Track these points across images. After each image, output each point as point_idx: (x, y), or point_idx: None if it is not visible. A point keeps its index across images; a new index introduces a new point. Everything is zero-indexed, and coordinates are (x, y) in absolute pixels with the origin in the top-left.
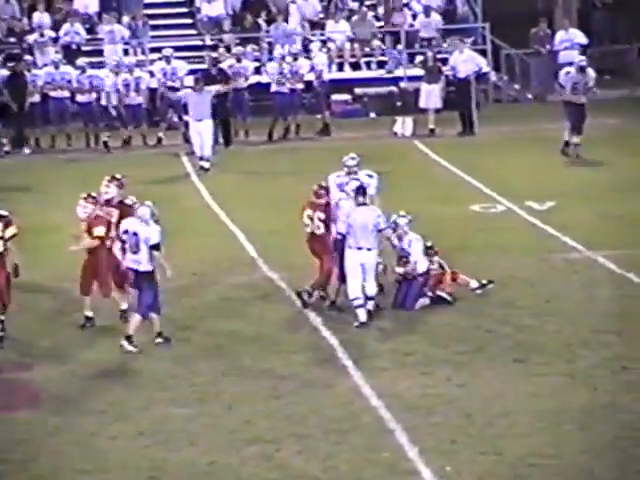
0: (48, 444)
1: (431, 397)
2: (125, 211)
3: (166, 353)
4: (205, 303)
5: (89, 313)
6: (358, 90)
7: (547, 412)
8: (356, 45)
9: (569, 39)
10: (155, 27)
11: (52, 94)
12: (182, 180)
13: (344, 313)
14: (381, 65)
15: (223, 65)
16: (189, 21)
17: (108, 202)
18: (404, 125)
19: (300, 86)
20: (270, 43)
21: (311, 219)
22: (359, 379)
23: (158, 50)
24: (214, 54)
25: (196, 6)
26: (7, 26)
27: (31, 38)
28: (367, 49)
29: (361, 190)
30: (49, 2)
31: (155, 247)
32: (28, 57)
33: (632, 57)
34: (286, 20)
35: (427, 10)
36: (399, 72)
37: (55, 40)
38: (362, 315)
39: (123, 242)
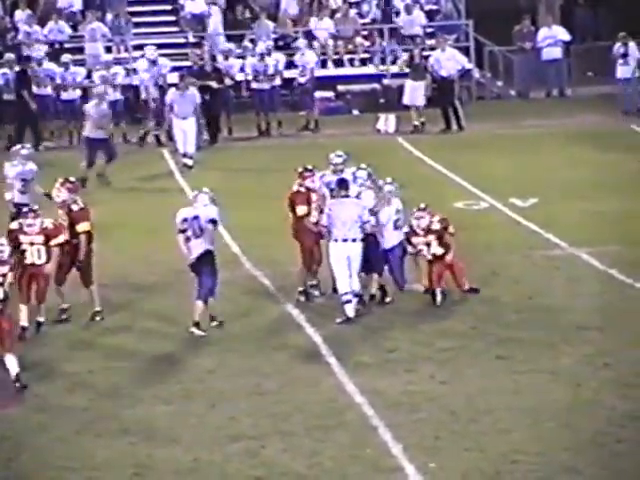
0: (32, 441)
1: (415, 394)
2: (73, 216)
3: (150, 350)
4: (188, 300)
5: (65, 305)
6: (341, 87)
7: (530, 409)
8: (340, 42)
9: (552, 36)
10: (138, 24)
11: (36, 91)
12: (165, 178)
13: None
14: (364, 62)
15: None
16: (172, 18)
17: (61, 205)
18: (387, 122)
19: (278, 82)
20: (253, 40)
21: (292, 207)
22: (343, 376)
23: (141, 47)
24: (198, 51)
25: (179, 3)
26: None
27: (20, 36)
28: (350, 46)
29: (343, 183)
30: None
31: (213, 222)
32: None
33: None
34: (270, 18)
35: (408, 8)
36: (384, 67)
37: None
38: (350, 311)
39: (183, 231)
